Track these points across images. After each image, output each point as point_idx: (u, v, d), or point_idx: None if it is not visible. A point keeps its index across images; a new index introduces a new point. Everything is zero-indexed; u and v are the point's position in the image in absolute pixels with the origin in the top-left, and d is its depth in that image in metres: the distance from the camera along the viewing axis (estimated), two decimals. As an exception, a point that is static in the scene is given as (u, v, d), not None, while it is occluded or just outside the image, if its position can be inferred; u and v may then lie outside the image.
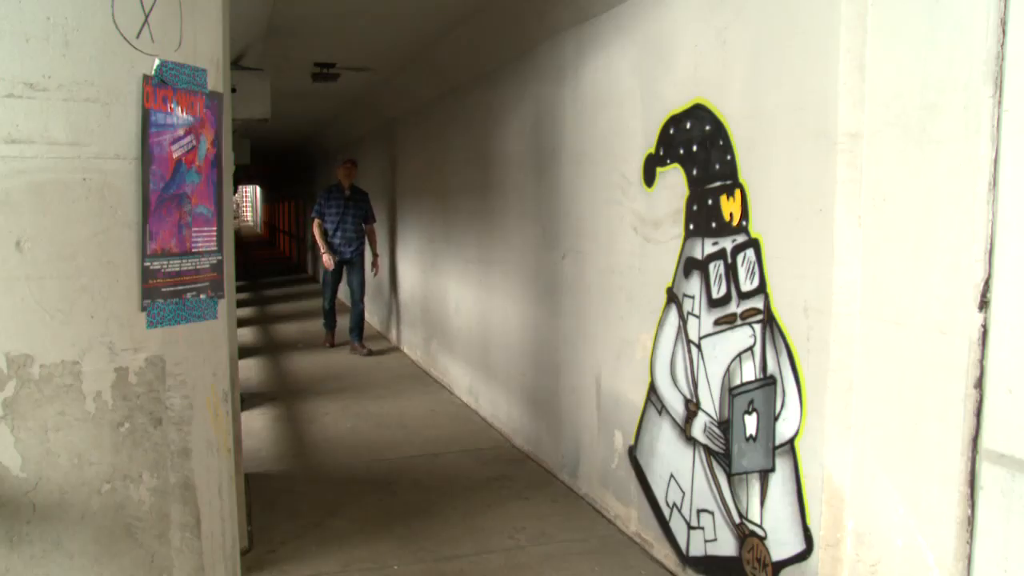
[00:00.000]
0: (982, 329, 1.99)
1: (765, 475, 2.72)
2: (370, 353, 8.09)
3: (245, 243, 28.63)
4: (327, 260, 7.99)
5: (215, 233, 2.06)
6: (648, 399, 3.47)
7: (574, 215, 4.14)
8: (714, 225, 2.95)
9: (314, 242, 8.13)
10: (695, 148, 3.06)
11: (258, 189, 37.34)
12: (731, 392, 2.88)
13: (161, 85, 1.87)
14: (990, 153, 1.95)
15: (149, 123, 1.85)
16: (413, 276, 7.99)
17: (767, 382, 2.70)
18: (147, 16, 1.84)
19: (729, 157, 2.86)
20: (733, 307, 2.86)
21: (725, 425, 2.93)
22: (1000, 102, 1.93)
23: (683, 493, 3.22)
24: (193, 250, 1.99)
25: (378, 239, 8.62)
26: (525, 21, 4.54)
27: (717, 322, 2.95)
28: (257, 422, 5.71)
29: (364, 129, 10.02)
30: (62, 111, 1.73)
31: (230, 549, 2.20)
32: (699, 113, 3.03)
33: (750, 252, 2.76)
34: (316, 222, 8.15)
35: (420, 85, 6.87)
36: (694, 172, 3.08)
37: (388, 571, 3.40)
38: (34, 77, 1.70)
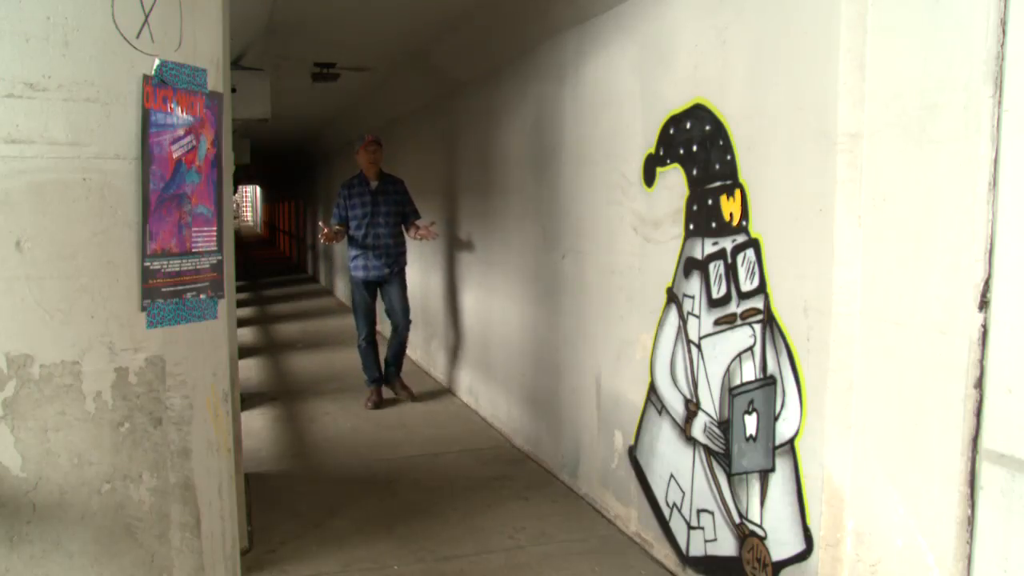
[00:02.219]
0: (982, 329, 1.99)
1: (765, 475, 2.72)
2: (413, 398, 6.14)
3: (245, 243, 28.64)
4: (327, 231, 5.75)
5: (215, 233, 2.06)
6: (648, 399, 3.47)
7: (574, 215, 4.14)
8: (714, 225, 2.95)
9: (326, 240, 5.81)
10: (695, 148, 3.06)
11: (258, 189, 37.34)
12: (731, 392, 2.88)
13: (161, 85, 1.87)
14: (990, 153, 1.95)
15: (149, 123, 1.85)
16: (412, 276, 7.99)
17: (767, 382, 2.70)
18: (147, 16, 1.84)
19: (729, 157, 2.86)
20: (733, 307, 2.86)
21: (725, 425, 2.93)
22: (1000, 102, 1.93)
23: (683, 493, 3.22)
24: (193, 250, 1.99)
25: None
26: (525, 21, 4.53)
27: (717, 322, 2.95)
28: (257, 422, 5.71)
29: (364, 130, 10.02)
30: (62, 111, 1.74)
31: (230, 549, 2.20)
32: (699, 113, 3.03)
33: (750, 252, 2.76)
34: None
35: (420, 85, 6.87)
36: (694, 172, 3.07)
37: (388, 571, 3.40)
38: (34, 77, 1.70)
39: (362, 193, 5.87)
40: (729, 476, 2.91)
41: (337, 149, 12.64)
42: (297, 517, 3.95)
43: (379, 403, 5.99)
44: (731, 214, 2.85)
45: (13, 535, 1.73)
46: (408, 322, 6.05)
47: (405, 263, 6.10)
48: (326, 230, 5.73)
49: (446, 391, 6.59)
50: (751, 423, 2.77)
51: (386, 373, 6.14)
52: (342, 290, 12.77)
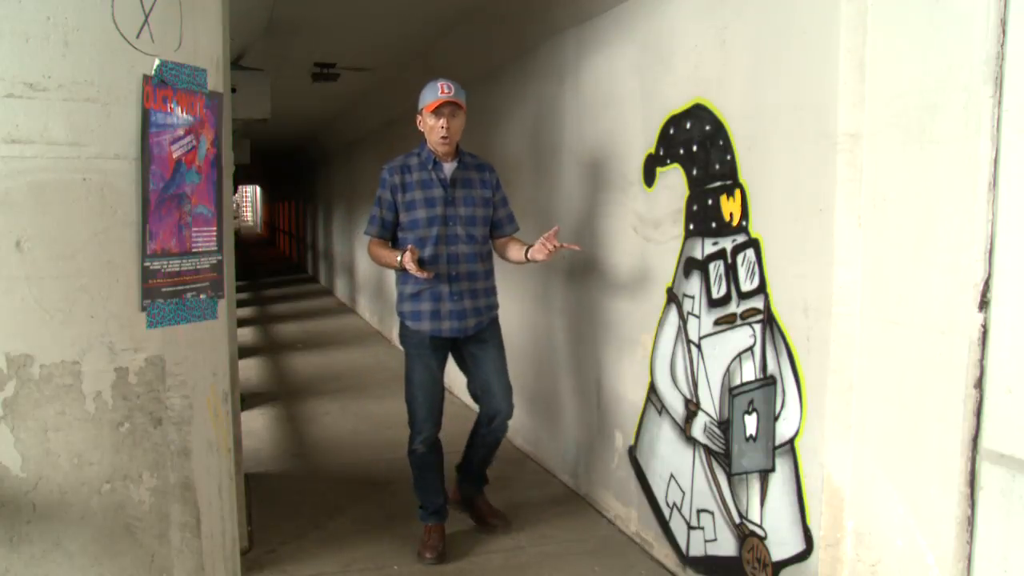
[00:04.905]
0: (982, 329, 1.99)
1: (765, 475, 2.72)
2: (509, 525, 3.74)
3: (245, 243, 28.62)
4: (409, 261, 3.14)
5: (215, 233, 2.06)
6: (648, 399, 3.47)
7: (574, 215, 4.14)
8: (714, 225, 2.95)
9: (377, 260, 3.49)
10: (695, 148, 3.06)
11: (258, 189, 37.34)
12: (731, 392, 2.88)
13: (161, 85, 1.87)
14: (990, 153, 1.95)
15: (149, 123, 1.85)
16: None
17: (767, 382, 2.70)
18: (147, 16, 1.84)
19: (729, 157, 2.86)
20: (733, 307, 2.86)
21: (725, 425, 2.93)
22: (1000, 102, 1.93)
23: (683, 493, 3.22)
24: (193, 250, 1.99)
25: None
26: (525, 21, 4.54)
27: (717, 322, 2.95)
28: (257, 422, 5.71)
29: (365, 130, 10.02)
30: (62, 111, 1.73)
31: (230, 549, 2.20)
32: (699, 113, 3.03)
33: (750, 252, 2.76)
34: (375, 245, 3.45)
35: (420, 85, 6.86)
36: (694, 172, 3.07)
37: (388, 571, 3.40)
38: (34, 77, 1.70)
39: (428, 183, 3.39)
40: (729, 476, 2.91)
41: (337, 149, 12.64)
42: (297, 517, 3.95)
43: (442, 553, 3.45)
44: (731, 214, 2.85)
45: (13, 535, 1.73)
46: (512, 408, 3.61)
47: (497, 306, 3.66)
48: (407, 260, 3.16)
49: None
50: (751, 423, 2.77)
51: (461, 487, 3.80)
52: (342, 290, 12.77)
